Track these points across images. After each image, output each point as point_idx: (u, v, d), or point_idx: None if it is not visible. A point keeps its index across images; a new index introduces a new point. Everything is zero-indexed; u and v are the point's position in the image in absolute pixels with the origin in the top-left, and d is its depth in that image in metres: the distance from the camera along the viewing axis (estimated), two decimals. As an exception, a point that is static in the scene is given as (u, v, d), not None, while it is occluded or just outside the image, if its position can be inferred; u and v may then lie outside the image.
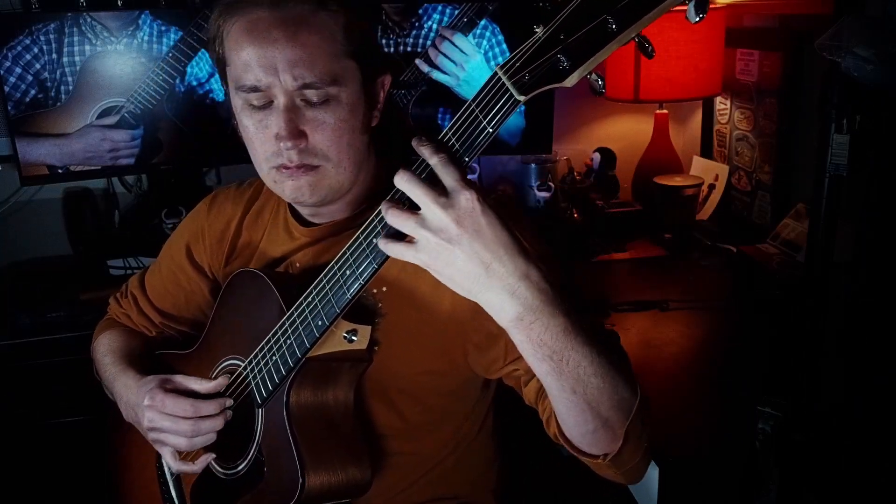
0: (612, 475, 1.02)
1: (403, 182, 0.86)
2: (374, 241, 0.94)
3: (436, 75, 2.20)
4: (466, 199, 0.83)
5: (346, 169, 1.11)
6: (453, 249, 0.84)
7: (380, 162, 1.21)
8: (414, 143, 0.88)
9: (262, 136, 1.09)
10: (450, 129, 0.86)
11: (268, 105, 1.07)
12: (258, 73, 1.04)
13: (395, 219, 0.87)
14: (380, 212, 0.94)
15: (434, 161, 0.85)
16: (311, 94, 1.05)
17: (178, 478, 1.28)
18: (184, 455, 1.21)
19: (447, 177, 0.85)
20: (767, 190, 2.12)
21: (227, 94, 1.21)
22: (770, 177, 2.11)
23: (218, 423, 1.16)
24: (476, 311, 0.90)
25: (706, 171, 2.36)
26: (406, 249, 0.87)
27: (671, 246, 2.15)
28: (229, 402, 1.18)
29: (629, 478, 1.03)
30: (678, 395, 1.44)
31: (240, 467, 1.17)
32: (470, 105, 0.84)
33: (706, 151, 2.44)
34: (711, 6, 2.09)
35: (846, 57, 1.33)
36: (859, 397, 1.43)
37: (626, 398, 0.95)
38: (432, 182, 0.86)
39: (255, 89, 1.06)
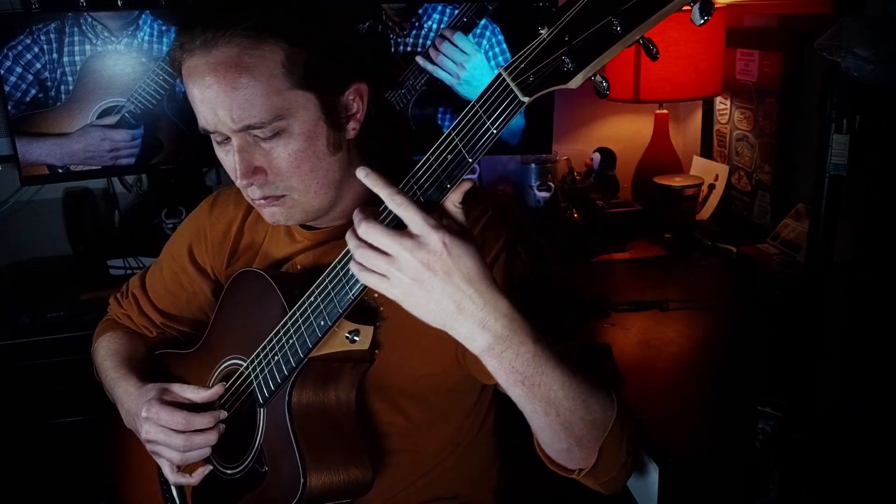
0: (591, 485, 1.06)
1: (369, 233, 0.88)
2: None
3: (437, 73, 2.20)
4: (435, 242, 0.86)
5: (316, 192, 1.11)
6: (425, 291, 0.87)
7: (374, 166, 1.19)
8: (361, 176, 0.90)
9: (229, 169, 1.10)
10: (453, 129, 0.87)
11: (226, 141, 1.07)
12: (205, 116, 1.05)
13: (367, 259, 0.89)
14: (382, 212, 0.95)
15: (395, 209, 0.87)
16: (258, 132, 1.04)
17: (179, 477, 1.28)
18: (181, 467, 1.21)
19: (412, 223, 0.87)
20: (767, 190, 2.13)
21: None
22: (770, 177, 2.11)
23: (211, 437, 1.17)
24: None
25: (706, 171, 2.36)
26: (380, 282, 0.89)
27: (671, 246, 2.15)
28: (223, 414, 1.18)
29: (607, 488, 1.07)
30: (678, 395, 1.44)
31: (241, 467, 1.17)
32: (474, 106, 0.84)
33: (706, 151, 2.44)
34: (711, 6, 2.09)
35: (846, 57, 1.33)
36: (859, 397, 1.43)
37: (600, 418, 0.99)
38: (398, 223, 0.88)
39: (206, 132, 1.07)
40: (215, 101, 1.02)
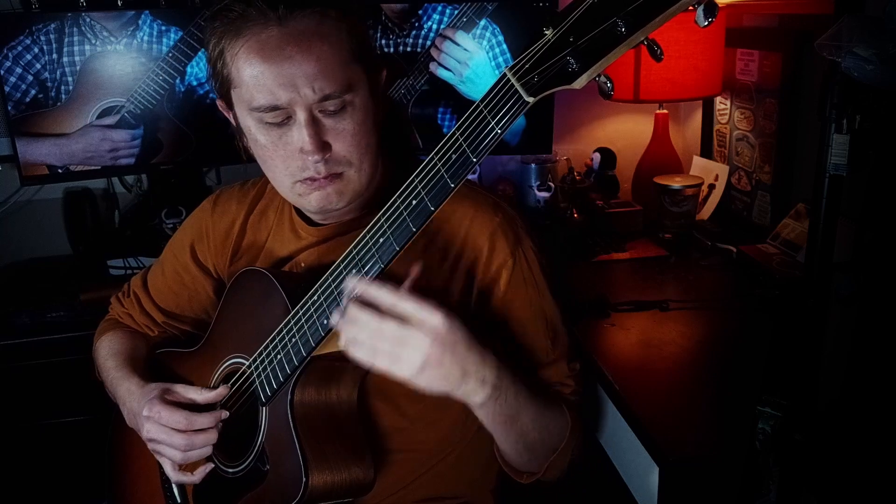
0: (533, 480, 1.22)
1: (384, 323, 0.95)
2: (381, 240, 0.96)
3: (440, 73, 2.20)
4: (440, 321, 0.95)
5: (366, 171, 1.13)
6: (437, 366, 0.95)
7: (384, 160, 1.21)
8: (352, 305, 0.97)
9: (283, 153, 1.09)
10: (458, 128, 0.87)
11: (286, 121, 1.07)
12: (276, 91, 1.04)
13: (380, 343, 0.96)
14: (386, 211, 0.96)
15: (399, 304, 0.95)
16: (330, 104, 1.05)
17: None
18: (183, 465, 1.21)
19: (414, 311, 0.95)
20: (767, 190, 2.13)
21: (222, 108, 1.19)
22: (770, 177, 2.11)
23: (212, 437, 1.17)
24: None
25: (706, 171, 2.36)
26: (391, 363, 0.96)
27: (671, 246, 2.15)
28: (224, 414, 1.19)
29: (548, 483, 1.23)
30: (678, 395, 1.43)
31: (243, 466, 1.17)
32: (478, 106, 0.85)
33: (706, 151, 2.44)
34: (711, 7, 2.10)
35: (846, 57, 1.33)
36: (859, 397, 1.43)
37: (556, 441, 1.17)
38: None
39: (273, 108, 1.05)
40: (295, 72, 1.03)
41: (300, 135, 1.06)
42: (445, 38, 2.17)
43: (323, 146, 1.07)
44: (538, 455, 1.16)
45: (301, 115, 1.05)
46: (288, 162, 1.10)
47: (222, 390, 1.19)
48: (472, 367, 0.99)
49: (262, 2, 1.03)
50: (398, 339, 0.94)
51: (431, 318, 0.95)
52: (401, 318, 0.95)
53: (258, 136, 1.10)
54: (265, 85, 1.04)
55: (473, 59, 2.18)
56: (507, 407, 1.05)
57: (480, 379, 1.00)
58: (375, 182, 1.19)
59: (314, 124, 1.06)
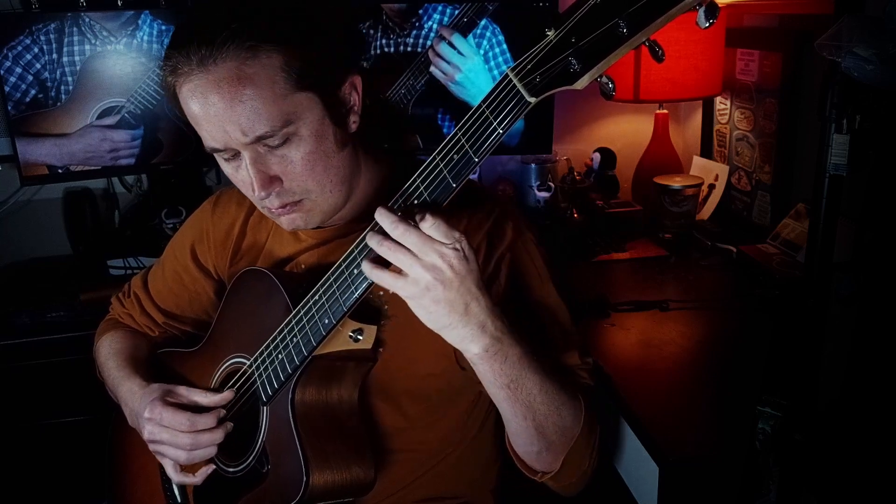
0: (552, 486, 1.16)
1: (406, 234, 0.90)
2: None
3: (432, 70, 2.20)
4: (461, 246, 0.91)
5: (332, 191, 1.11)
6: (443, 290, 0.91)
7: (378, 160, 1.21)
8: (379, 216, 0.92)
9: (241, 184, 1.10)
10: (460, 128, 0.87)
11: (235, 157, 1.06)
12: (213, 134, 1.03)
13: (391, 255, 0.91)
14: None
15: (427, 227, 0.90)
16: (269, 141, 1.03)
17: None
18: (185, 466, 1.21)
19: (442, 234, 0.91)
20: (767, 190, 2.13)
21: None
22: (770, 177, 2.11)
23: (217, 436, 1.17)
24: None
25: (706, 171, 2.36)
26: (395, 280, 0.92)
27: (671, 246, 2.15)
28: (222, 412, 1.18)
29: (566, 491, 1.18)
30: (678, 395, 1.44)
31: (244, 465, 1.17)
32: (480, 106, 0.85)
33: (706, 151, 2.44)
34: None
35: (846, 57, 1.33)
36: (859, 397, 1.44)
37: (570, 425, 1.09)
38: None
39: (215, 150, 1.06)
40: (223, 118, 1.00)
41: (246, 172, 1.05)
42: (441, 39, 2.17)
43: (269, 182, 1.05)
44: (552, 442, 1.09)
45: (244, 154, 1.04)
46: (248, 192, 1.10)
47: (227, 394, 1.19)
48: (477, 308, 0.94)
49: (175, 54, 1.01)
50: (415, 252, 0.90)
51: (458, 242, 0.91)
52: (423, 236, 0.90)
53: (221, 166, 1.11)
54: (203, 128, 1.04)
55: (466, 64, 2.18)
56: (510, 368, 0.99)
57: (481, 325, 0.95)
58: (366, 185, 1.18)
59: (257, 162, 1.04)
